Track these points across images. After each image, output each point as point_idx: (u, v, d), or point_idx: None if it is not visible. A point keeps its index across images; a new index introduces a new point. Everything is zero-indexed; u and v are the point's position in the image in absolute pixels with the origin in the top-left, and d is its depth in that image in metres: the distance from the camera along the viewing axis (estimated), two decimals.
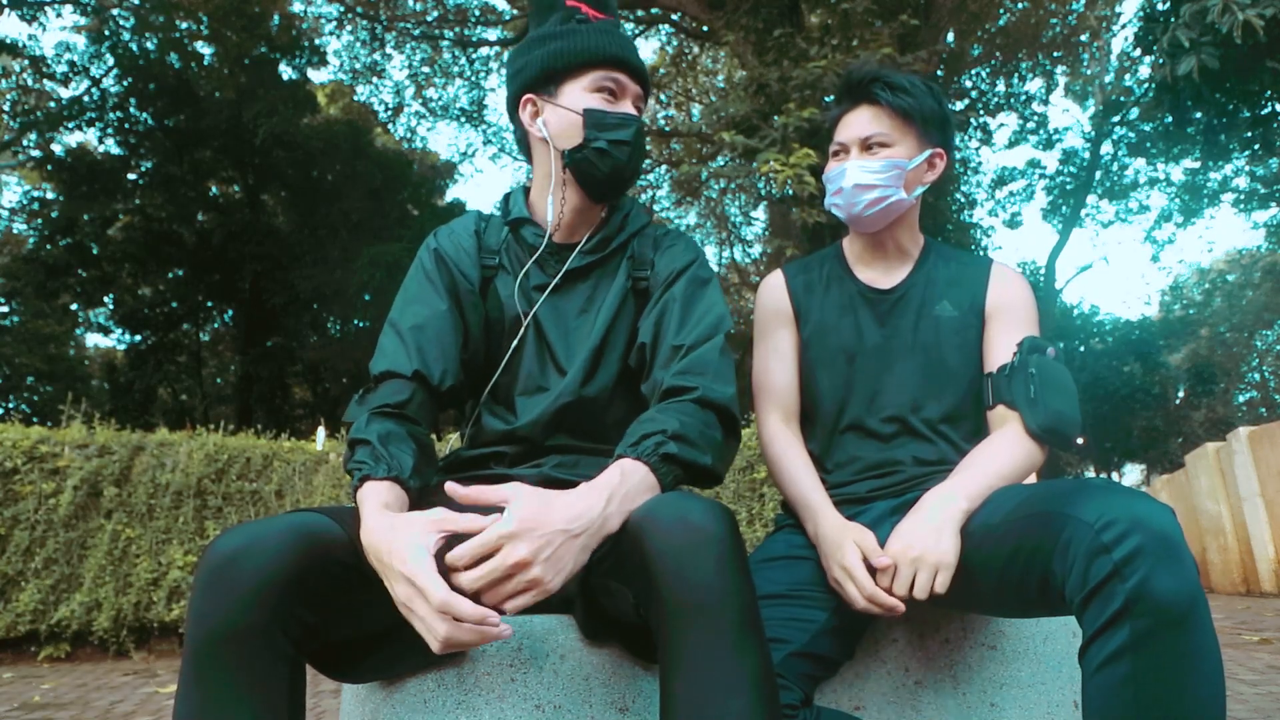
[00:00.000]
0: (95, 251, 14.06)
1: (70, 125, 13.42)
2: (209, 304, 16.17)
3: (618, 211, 1.28)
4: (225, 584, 0.76)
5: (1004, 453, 1.16)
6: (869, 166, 1.28)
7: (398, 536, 0.83)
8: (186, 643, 0.77)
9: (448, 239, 1.28)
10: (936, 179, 1.35)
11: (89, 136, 14.77)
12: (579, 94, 1.18)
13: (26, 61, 12.99)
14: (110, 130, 13.83)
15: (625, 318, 1.23)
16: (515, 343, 1.21)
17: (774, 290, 1.43)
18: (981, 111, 13.28)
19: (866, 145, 1.30)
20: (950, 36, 10.51)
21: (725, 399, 1.08)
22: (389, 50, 13.95)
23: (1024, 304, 1.32)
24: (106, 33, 12.86)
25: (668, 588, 0.78)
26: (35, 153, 13.87)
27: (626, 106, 1.21)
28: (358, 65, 14.43)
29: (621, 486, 0.90)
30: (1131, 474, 25.51)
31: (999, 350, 1.28)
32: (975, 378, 1.30)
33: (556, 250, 1.24)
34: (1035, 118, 14.69)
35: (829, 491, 1.27)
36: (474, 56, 14.11)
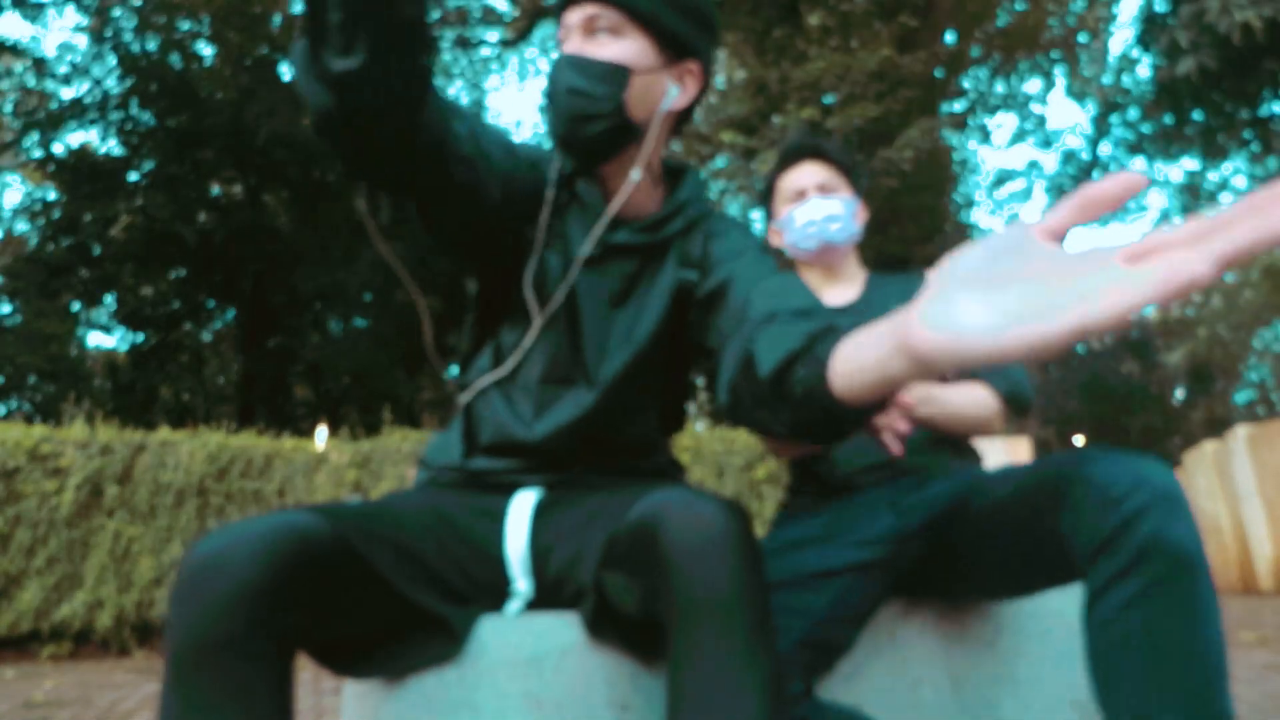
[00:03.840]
0: (97, 251, 14.06)
1: (72, 125, 13.43)
2: (211, 304, 16.16)
3: (682, 190, 1.10)
4: (200, 591, 0.72)
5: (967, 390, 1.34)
6: (833, 203, 1.50)
7: None
8: (165, 652, 0.74)
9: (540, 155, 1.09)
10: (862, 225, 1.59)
11: (90, 137, 14.78)
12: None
13: (29, 62, 13.00)
14: (112, 130, 13.83)
15: (666, 323, 1.08)
16: (546, 319, 1.04)
17: None
18: (981, 111, 13.28)
19: (824, 189, 1.51)
20: (950, 37, 10.49)
21: None
22: None
23: None
24: (108, 33, 12.87)
25: (681, 585, 0.76)
26: (37, 153, 13.87)
27: (570, 47, 0.99)
28: None
29: None
30: None
31: None
32: None
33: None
34: (1035, 118, 14.70)
35: (825, 482, 1.34)
36: (474, 57, 14.11)
